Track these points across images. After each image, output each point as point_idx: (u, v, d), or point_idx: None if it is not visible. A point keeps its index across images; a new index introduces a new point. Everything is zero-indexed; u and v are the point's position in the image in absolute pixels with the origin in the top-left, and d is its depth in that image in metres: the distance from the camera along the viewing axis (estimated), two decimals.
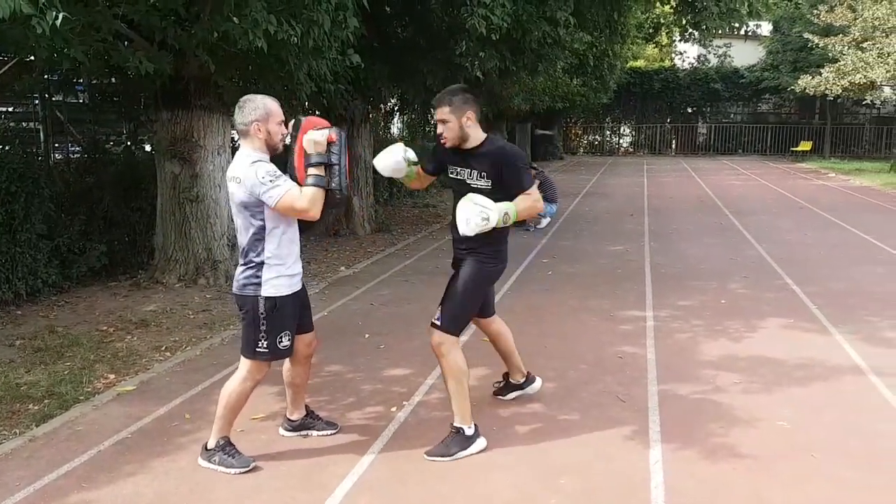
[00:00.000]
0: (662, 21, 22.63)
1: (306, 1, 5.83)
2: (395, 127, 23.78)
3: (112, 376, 4.87)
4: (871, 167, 25.01)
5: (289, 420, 3.95)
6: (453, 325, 3.72)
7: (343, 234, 10.92)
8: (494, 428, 3.99)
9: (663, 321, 6.12)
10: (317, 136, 3.38)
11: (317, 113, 12.35)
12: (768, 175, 23.03)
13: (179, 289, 7.22)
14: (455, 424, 3.71)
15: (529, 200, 3.66)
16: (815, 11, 25.69)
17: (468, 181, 3.73)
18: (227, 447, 3.57)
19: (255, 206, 3.34)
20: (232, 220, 7.52)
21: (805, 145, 31.71)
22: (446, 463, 3.59)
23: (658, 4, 15.07)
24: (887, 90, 23.35)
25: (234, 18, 5.54)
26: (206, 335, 5.79)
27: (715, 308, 6.57)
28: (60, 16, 4.14)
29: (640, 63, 35.72)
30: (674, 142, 36.18)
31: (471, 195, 3.54)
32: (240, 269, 3.47)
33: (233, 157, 7.95)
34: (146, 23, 5.83)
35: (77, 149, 10.07)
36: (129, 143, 10.04)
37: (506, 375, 4.40)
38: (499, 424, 4.05)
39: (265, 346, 3.45)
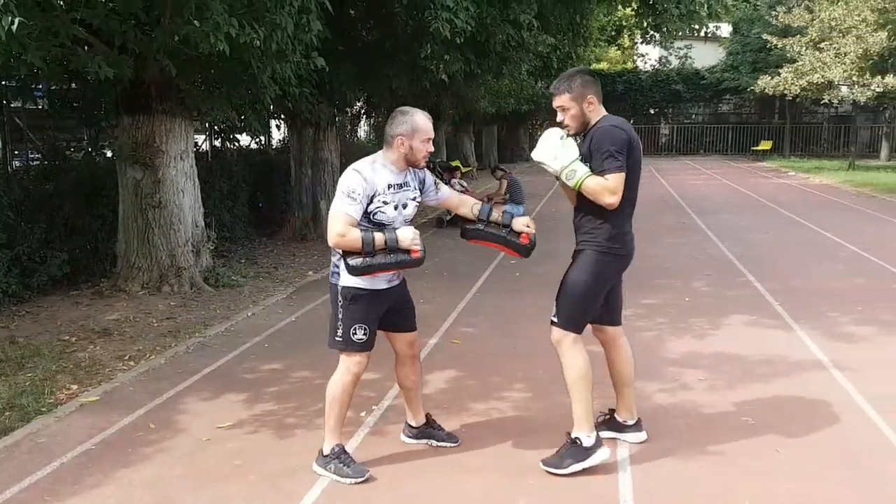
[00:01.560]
0: (624, 24, 22.88)
1: (268, 4, 5.80)
2: (362, 130, 23.74)
3: (75, 387, 4.79)
4: (830, 165, 25.56)
5: (409, 426, 3.88)
6: (570, 323, 3.46)
7: (311, 239, 10.85)
8: (463, 429, 4.00)
9: (629, 320, 6.14)
10: (417, 239, 3.33)
11: (282, 117, 12.27)
12: (730, 174, 23.40)
13: (143, 297, 7.12)
14: (571, 434, 3.47)
15: (600, 185, 3.30)
16: (774, 13, 26.22)
17: None
18: (341, 455, 3.51)
19: None
20: (195, 226, 7.53)
21: (765, 144, 32.29)
22: (416, 466, 3.58)
23: (619, 7, 15.25)
24: (844, 89, 23.87)
25: (195, 22, 5.48)
26: (171, 343, 5.71)
27: (679, 306, 6.66)
28: (17, 21, 4.07)
29: (603, 65, 36.07)
30: None
31: (559, 133, 3.41)
32: (332, 256, 3.51)
33: (196, 162, 7.93)
34: (105, 27, 5.75)
35: (36, 156, 9.87)
36: (89, 150, 9.89)
37: (612, 411, 3.88)
38: (468, 426, 4.05)
39: (339, 335, 3.46)
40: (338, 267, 3.45)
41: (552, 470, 3.43)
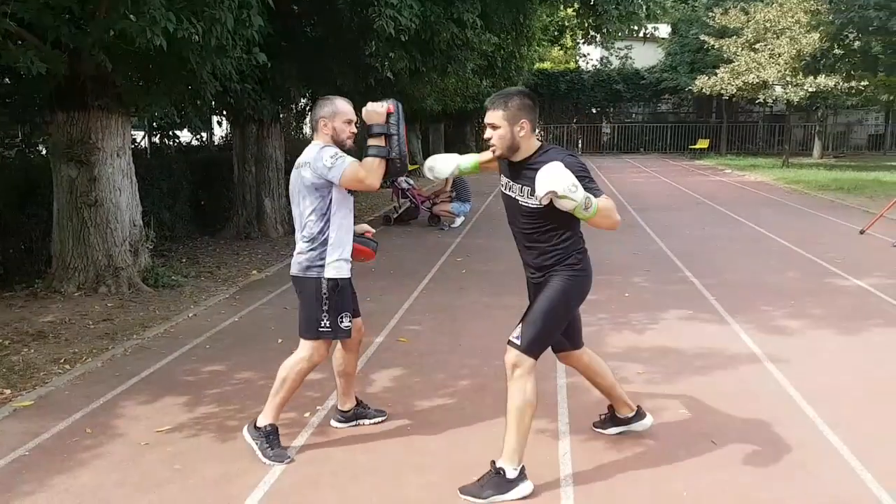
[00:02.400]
0: (566, 24, 23.16)
1: None
2: (308, 127, 23.50)
3: (8, 391, 4.63)
4: (765, 163, 26.33)
5: (341, 412, 4.07)
6: (533, 347, 3.30)
7: (255, 237, 10.72)
8: (409, 427, 4.02)
9: None
10: (375, 106, 3.58)
11: (224, 113, 12.08)
12: (668, 172, 23.92)
13: (79, 298, 6.93)
14: (497, 464, 3.30)
15: (611, 204, 3.13)
16: (711, 14, 26.90)
17: (518, 199, 3.37)
18: (271, 435, 3.70)
19: (323, 188, 3.57)
20: (133, 225, 7.36)
21: (702, 143, 33.09)
22: (360, 467, 3.58)
23: (561, 7, 15.43)
24: (778, 89, 24.65)
25: (132, 16, 5.35)
26: (108, 346, 5.57)
27: (619, 301, 6.79)
28: None
29: (546, 65, 36.49)
30: (580, 141, 37.14)
31: (561, 166, 3.04)
32: (304, 251, 3.66)
33: (133, 159, 7.74)
34: (38, 21, 5.57)
35: None
36: (23, 147, 9.59)
37: (610, 408, 3.90)
38: (413, 423, 4.07)
39: (328, 325, 3.65)
40: (322, 259, 3.62)
41: (470, 499, 3.26)
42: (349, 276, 3.73)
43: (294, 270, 3.71)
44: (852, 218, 12.28)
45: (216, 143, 16.10)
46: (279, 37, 8.74)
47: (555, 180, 2.98)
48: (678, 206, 14.65)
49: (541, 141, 3.39)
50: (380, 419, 4.11)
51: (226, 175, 11.51)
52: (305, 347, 3.71)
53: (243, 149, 10.90)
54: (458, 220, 11.93)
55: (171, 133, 13.31)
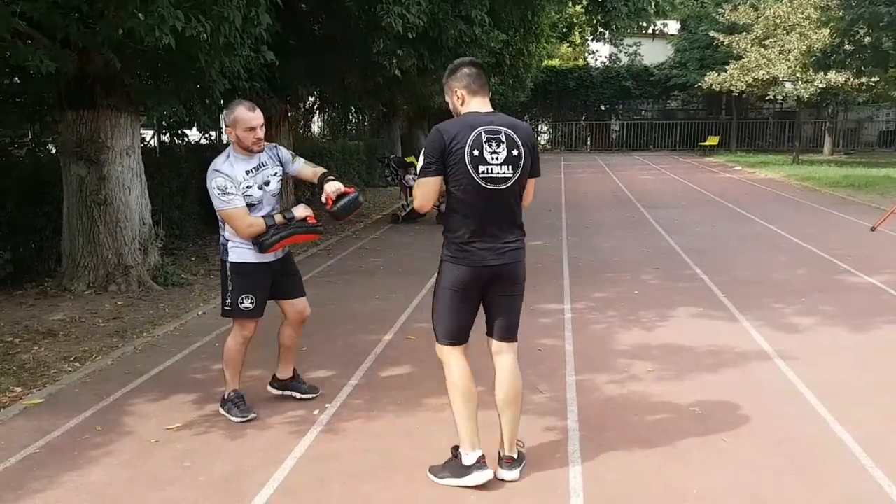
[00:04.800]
0: (575, 21, 23.11)
1: None
2: (316, 126, 23.55)
3: (18, 389, 4.66)
4: (775, 160, 26.17)
5: (277, 379, 4.41)
6: (436, 334, 3.55)
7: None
8: (417, 425, 4.01)
9: (580, 313, 6.27)
10: (302, 210, 4.00)
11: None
12: (678, 169, 23.82)
13: (89, 296, 6.96)
14: (459, 449, 3.35)
15: (419, 190, 3.36)
16: (720, 10, 26.79)
17: None
18: (235, 399, 4.12)
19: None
20: (143, 224, 7.40)
21: (712, 140, 32.91)
22: (370, 465, 3.57)
23: (570, 4, 15.39)
24: (788, 86, 24.52)
25: (140, 15, 5.37)
26: (118, 344, 5.59)
27: (629, 299, 6.77)
28: None
29: (555, 62, 36.38)
30: (589, 139, 37.05)
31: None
32: (220, 236, 4.02)
33: (142, 158, 7.78)
34: (47, 20, 5.59)
35: None
36: (33, 146, 9.64)
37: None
38: (421, 421, 4.06)
39: (228, 304, 3.99)
40: (226, 244, 3.95)
41: (430, 476, 3.37)
42: (255, 260, 3.93)
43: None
44: (863, 215, 12.20)
45: (225, 142, 16.12)
46: (287, 35, 8.75)
47: None
48: (687, 203, 14.59)
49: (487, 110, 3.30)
50: (310, 396, 4.37)
51: None
52: (234, 326, 4.09)
53: None
54: None
55: (179, 132, 13.34)
